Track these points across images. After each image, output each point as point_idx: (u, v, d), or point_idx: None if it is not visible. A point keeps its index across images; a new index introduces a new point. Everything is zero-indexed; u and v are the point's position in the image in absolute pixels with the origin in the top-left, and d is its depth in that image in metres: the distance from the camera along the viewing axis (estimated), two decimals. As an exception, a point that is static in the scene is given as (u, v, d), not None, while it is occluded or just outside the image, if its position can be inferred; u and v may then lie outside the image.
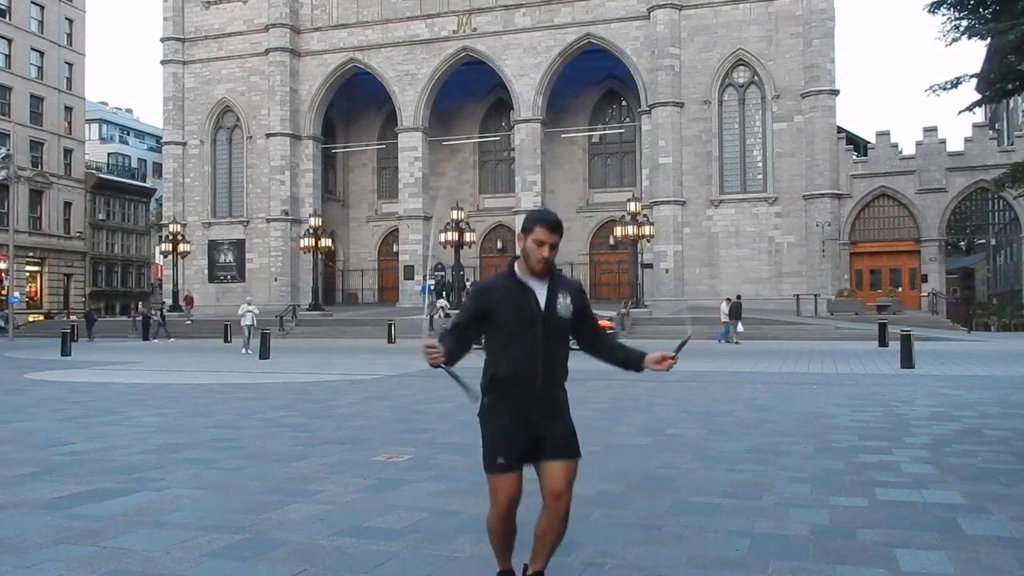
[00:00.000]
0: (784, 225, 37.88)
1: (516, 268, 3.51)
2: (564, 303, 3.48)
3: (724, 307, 28.17)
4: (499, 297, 3.47)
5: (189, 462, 7.15)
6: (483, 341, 3.58)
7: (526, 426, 3.46)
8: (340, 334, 33.50)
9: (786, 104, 37.72)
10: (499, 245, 47.53)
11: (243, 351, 24.70)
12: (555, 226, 3.45)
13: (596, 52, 41.68)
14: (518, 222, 42.11)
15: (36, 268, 50.89)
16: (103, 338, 36.39)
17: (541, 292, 3.46)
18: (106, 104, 75.08)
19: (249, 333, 25.70)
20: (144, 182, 66.79)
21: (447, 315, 32.58)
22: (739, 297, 29.94)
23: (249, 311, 26.37)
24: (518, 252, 3.53)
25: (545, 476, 3.49)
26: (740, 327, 27.98)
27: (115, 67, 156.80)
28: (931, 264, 36.89)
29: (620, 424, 9.32)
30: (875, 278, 38.71)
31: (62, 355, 23.47)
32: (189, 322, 39.15)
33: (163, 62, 46.76)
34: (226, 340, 31.42)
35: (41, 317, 48.68)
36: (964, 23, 9.82)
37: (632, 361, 3.64)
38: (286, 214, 44.52)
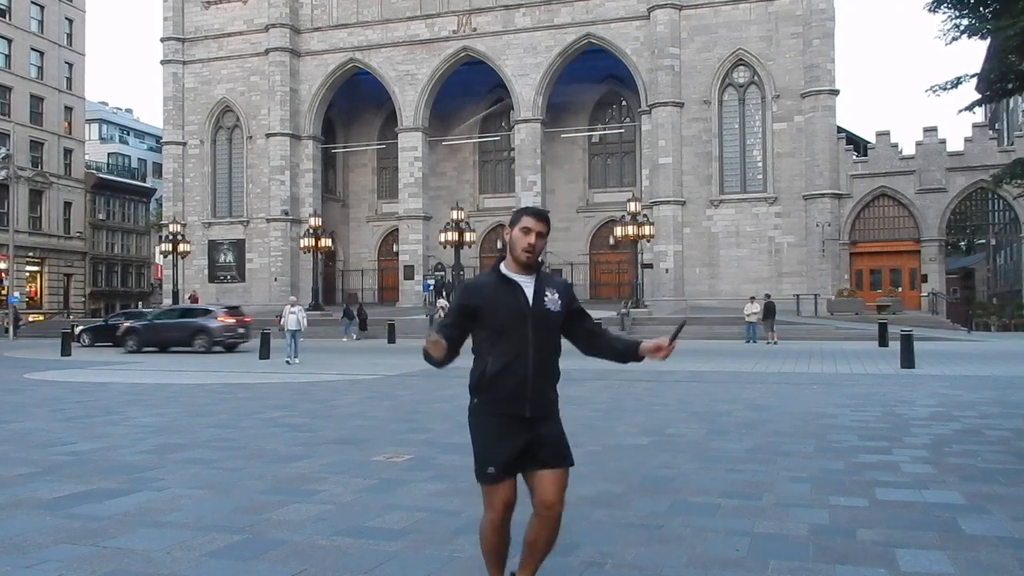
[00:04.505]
0: (784, 225, 37.86)
1: (502, 266, 3.44)
2: (552, 298, 3.41)
3: (748, 308, 27.97)
4: (488, 293, 3.36)
5: (189, 462, 7.15)
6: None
7: (518, 428, 3.32)
8: (340, 334, 33.47)
9: (786, 104, 37.71)
10: (499, 245, 47.45)
11: (287, 360, 20.61)
12: (541, 215, 3.43)
13: (596, 52, 41.66)
14: (518, 222, 42.10)
15: (36, 268, 50.89)
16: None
17: (528, 287, 3.38)
18: (106, 104, 75.07)
19: (295, 340, 21.43)
20: (144, 182, 66.79)
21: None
22: (768, 296, 29.30)
23: (293, 314, 21.96)
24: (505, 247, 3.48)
25: (537, 486, 3.36)
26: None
27: (115, 67, 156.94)
28: (931, 264, 36.88)
29: (620, 424, 9.32)
30: (875, 278, 38.69)
31: (62, 355, 23.47)
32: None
33: (163, 62, 46.75)
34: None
35: (41, 317, 48.68)
36: (964, 22, 9.77)
37: (630, 351, 3.52)
38: (286, 214, 44.51)
